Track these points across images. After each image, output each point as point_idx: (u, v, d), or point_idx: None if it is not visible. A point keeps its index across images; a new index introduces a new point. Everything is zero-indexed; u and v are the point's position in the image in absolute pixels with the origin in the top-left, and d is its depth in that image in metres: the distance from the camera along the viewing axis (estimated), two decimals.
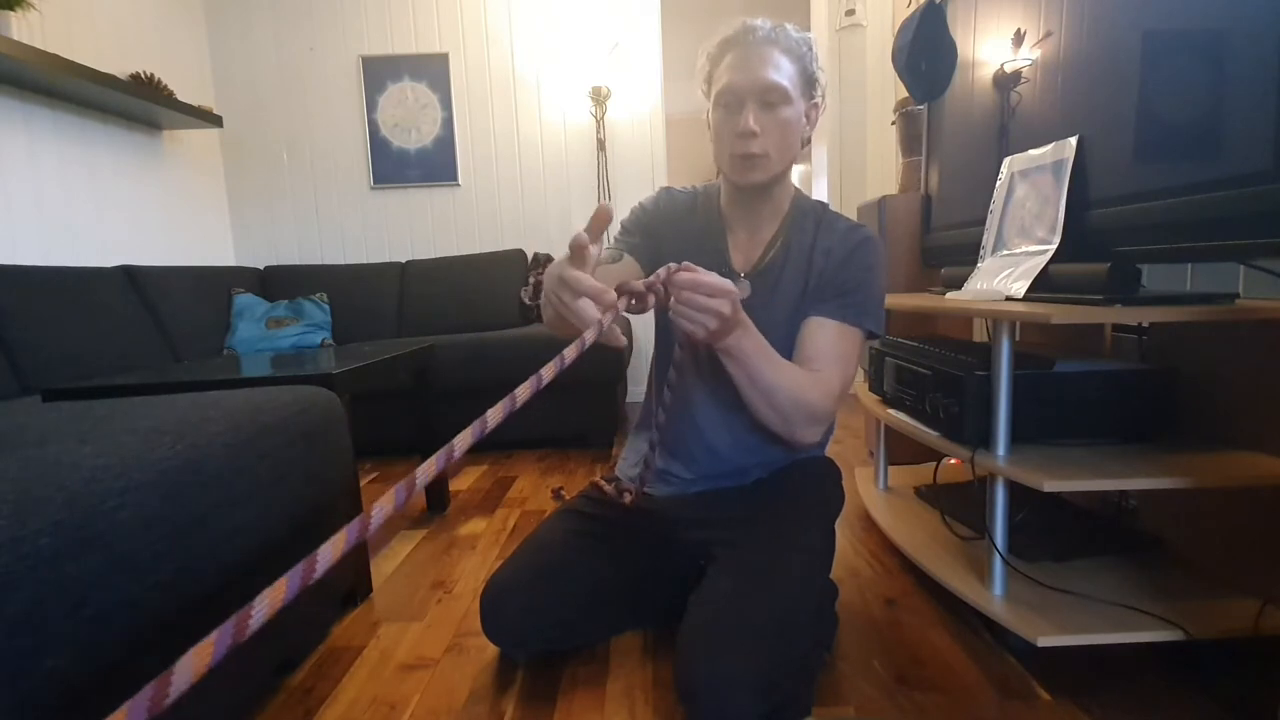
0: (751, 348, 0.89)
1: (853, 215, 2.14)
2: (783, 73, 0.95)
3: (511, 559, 1.10)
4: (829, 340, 1.01)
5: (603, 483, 1.20)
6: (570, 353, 0.57)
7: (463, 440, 0.47)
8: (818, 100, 1.02)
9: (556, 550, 1.09)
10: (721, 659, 0.81)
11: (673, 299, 0.79)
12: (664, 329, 1.16)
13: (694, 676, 0.82)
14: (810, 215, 1.09)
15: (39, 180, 2.13)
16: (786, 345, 1.03)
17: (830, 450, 1.21)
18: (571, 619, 1.07)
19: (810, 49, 0.99)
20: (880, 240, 1.08)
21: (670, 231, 1.12)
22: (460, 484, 2.14)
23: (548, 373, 0.54)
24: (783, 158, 1.00)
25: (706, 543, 1.04)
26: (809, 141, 1.05)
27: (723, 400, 1.06)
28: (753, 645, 0.83)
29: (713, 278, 0.79)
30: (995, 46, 1.37)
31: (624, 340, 0.68)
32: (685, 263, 0.80)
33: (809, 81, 1.00)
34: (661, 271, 0.79)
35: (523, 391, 0.52)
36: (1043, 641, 0.95)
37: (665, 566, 1.11)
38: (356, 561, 1.35)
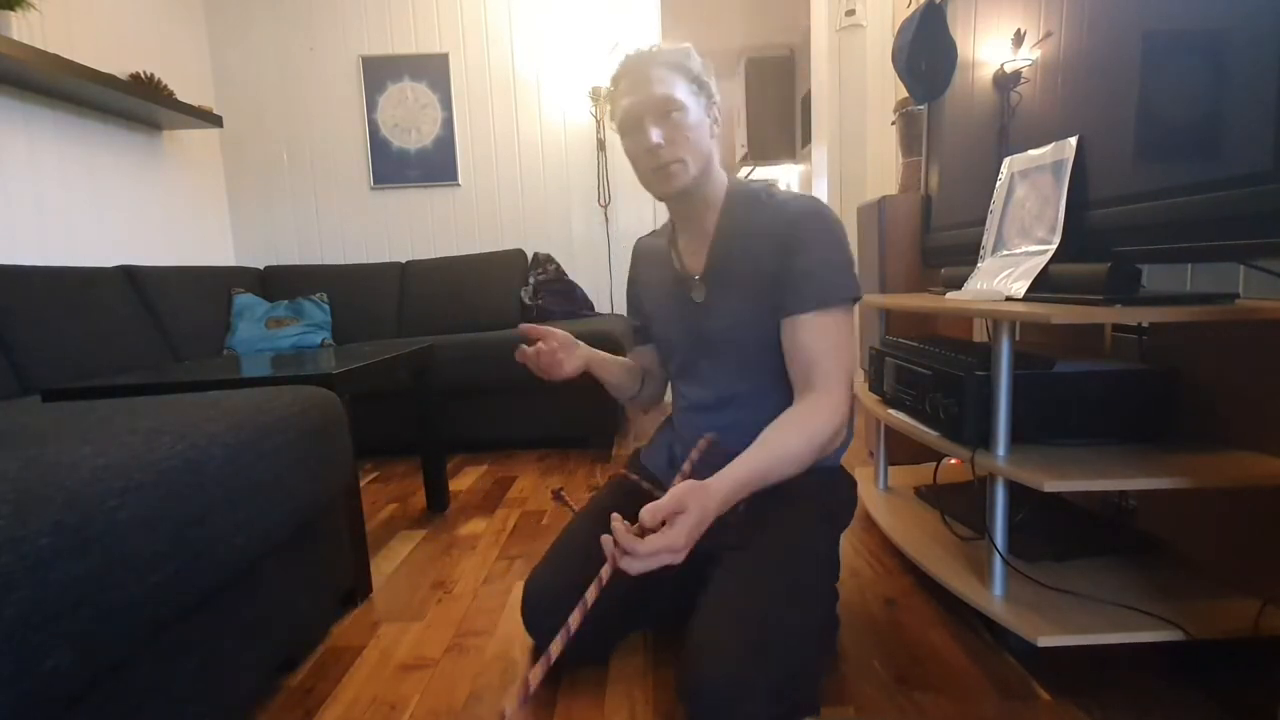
0: (731, 488, 0.87)
1: (852, 215, 2.14)
2: (669, 85, 1.01)
3: (547, 553, 1.14)
4: (814, 336, 1.00)
5: (627, 473, 1.21)
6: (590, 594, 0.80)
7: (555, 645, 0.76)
8: (714, 99, 1.07)
9: (580, 548, 1.09)
10: (732, 664, 0.81)
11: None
12: (681, 330, 1.16)
13: (703, 681, 0.81)
14: (741, 197, 1.09)
15: (39, 180, 2.13)
16: (753, 333, 1.06)
17: None
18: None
19: (690, 56, 1.04)
20: (824, 208, 1.03)
21: (646, 271, 1.24)
22: (460, 484, 2.14)
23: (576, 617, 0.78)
24: (697, 158, 1.03)
25: (712, 547, 1.03)
26: (716, 137, 1.08)
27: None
28: (763, 651, 0.82)
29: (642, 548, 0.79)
30: (995, 46, 1.37)
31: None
32: (621, 550, 0.80)
33: (698, 84, 1.04)
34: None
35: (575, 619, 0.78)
36: (1043, 641, 0.95)
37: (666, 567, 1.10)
38: (356, 561, 1.35)
